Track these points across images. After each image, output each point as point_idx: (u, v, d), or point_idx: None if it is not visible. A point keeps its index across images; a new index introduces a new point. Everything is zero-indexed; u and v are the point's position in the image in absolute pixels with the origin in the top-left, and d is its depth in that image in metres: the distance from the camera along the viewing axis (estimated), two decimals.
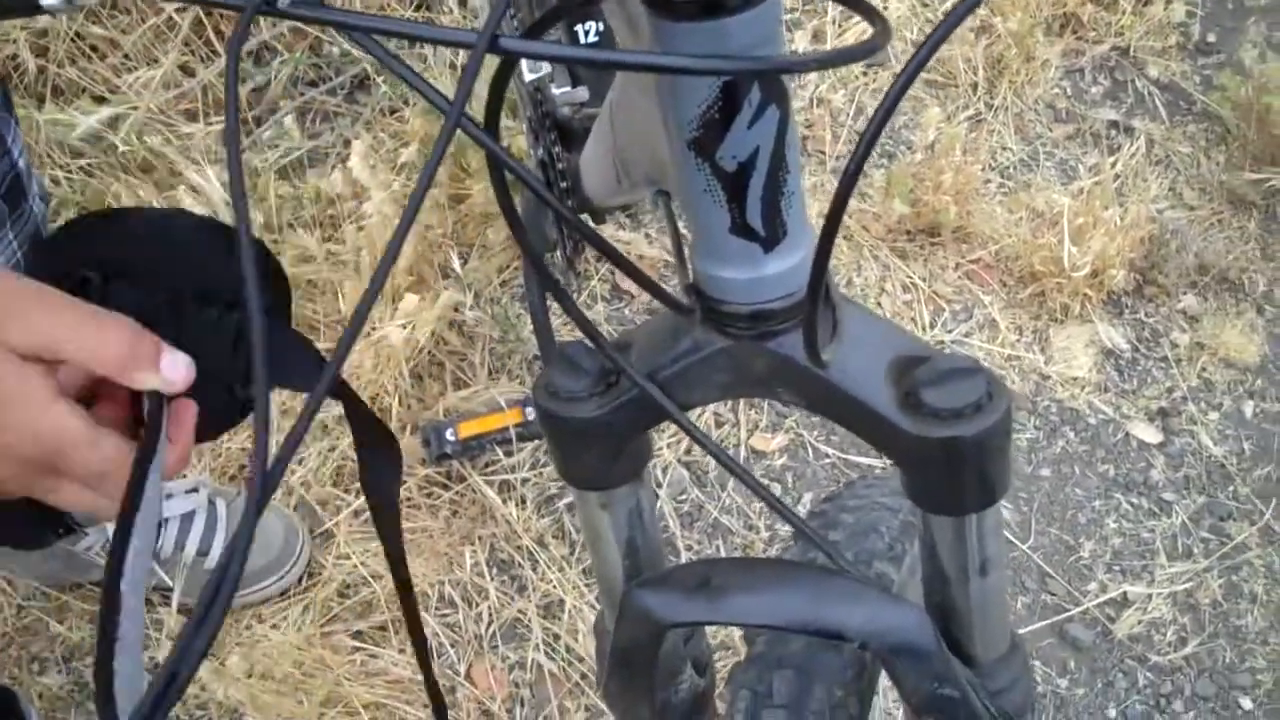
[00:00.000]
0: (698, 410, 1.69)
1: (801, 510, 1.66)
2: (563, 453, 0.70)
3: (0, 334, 0.51)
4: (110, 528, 1.43)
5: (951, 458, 0.59)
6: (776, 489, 1.68)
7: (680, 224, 0.74)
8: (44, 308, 0.53)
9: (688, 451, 1.70)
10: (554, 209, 0.55)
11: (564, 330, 1.80)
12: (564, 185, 1.47)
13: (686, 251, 0.66)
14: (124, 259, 0.58)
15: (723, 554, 1.61)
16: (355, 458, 0.64)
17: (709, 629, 0.93)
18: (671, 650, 0.76)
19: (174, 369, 0.56)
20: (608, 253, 0.58)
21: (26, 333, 0.52)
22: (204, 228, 0.59)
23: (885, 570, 0.81)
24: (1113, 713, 1.54)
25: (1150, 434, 1.80)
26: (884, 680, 0.85)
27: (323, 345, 1.74)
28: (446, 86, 1.96)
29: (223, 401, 0.60)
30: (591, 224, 1.76)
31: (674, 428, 1.55)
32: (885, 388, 0.60)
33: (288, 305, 0.64)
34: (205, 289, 0.58)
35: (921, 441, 0.59)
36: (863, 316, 0.63)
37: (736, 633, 1.47)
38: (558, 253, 1.77)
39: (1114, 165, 2.11)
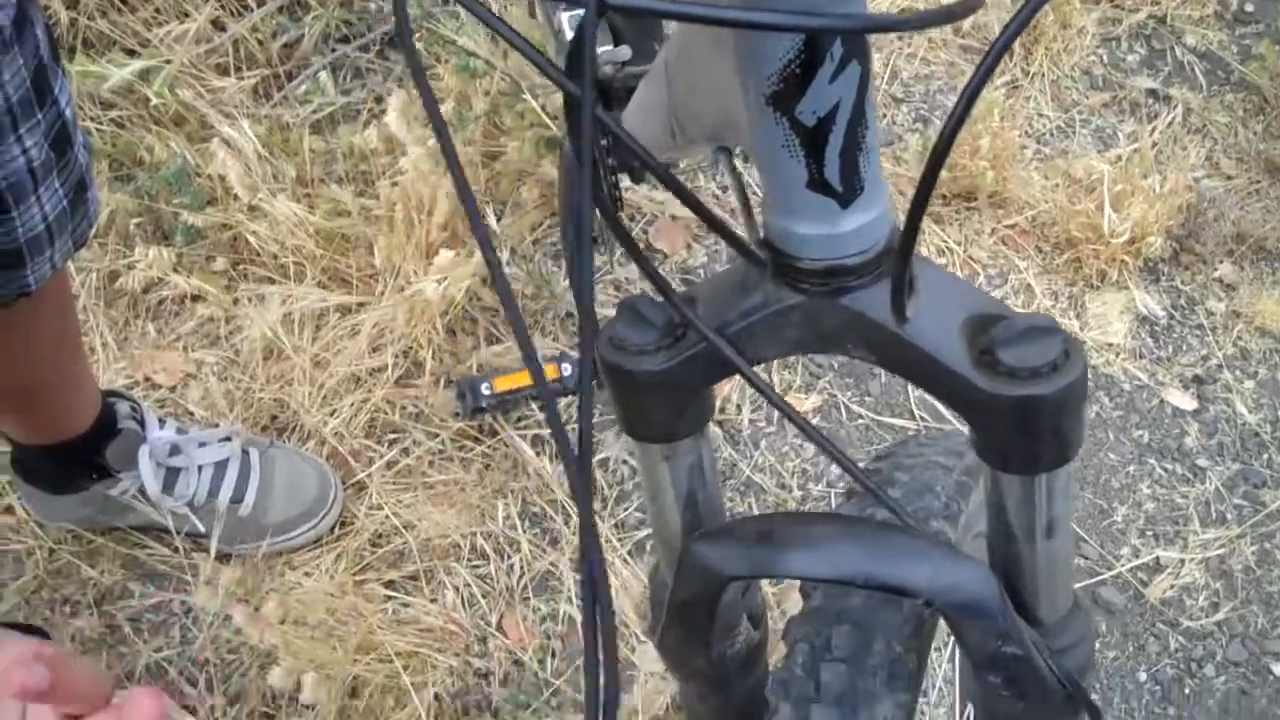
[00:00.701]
0: None
1: (833, 471, 1.66)
2: (626, 406, 0.69)
3: None
4: (145, 469, 1.44)
5: (1028, 417, 0.59)
6: (810, 449, 1.68)
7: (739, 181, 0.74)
8: None
9: (720, 410, 1.71)
10: (648, 164, 0.55)
11: (597, 289, 1.80)
12: (604, 143, 1.46)
13: (755, 206, 0.66)
14: None
15: (755, 512, 1.62)
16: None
17: (764, 583, 0.94)
18: (729, 603, 0.76)
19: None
20: (690, 203, 0.58)
21: None
22: None
23: (942, 529, 0.81)
24: (1143, 676, 1.55)
25: (1185, 401, 1.80)
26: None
27: (354, 298, 1.75)
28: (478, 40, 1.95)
29: None
30: (630, 182, 1.75)
31: None
32: (961, 346, 0.60)
33: None
34: None
35: (997, 400, 0.59)
36: (938, 274, 0.63)
37: (770, 589, 1.48)
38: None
39: (1152, 133, 2.09)
